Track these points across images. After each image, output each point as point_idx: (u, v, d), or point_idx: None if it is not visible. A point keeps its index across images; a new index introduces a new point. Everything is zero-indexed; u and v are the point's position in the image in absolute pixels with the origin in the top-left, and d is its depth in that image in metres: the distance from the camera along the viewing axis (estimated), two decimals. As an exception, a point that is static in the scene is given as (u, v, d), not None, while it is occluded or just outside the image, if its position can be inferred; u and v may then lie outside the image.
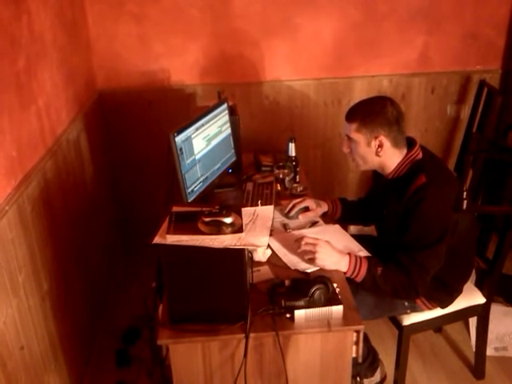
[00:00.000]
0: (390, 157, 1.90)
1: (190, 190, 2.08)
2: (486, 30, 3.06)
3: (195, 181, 2.14)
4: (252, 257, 1.72)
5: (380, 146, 1.86)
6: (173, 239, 1.46)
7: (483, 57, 3.12)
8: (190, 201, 2.07)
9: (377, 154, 1.88)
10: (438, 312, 2.05)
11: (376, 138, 1.85)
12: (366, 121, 1.85)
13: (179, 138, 2.01)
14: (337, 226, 2.10)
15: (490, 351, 2.41)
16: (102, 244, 2.86)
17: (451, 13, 3.00)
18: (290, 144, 2.47)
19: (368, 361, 2.19)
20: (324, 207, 2.22)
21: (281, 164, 2.46)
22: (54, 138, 2.18)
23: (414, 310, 2.03)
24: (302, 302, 1.55)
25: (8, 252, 1.65)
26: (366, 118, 1.86)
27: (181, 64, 2.98)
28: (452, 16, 3.01)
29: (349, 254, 1.82)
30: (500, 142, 2.87)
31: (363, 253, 1.89)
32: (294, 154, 2.47)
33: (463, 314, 2.20)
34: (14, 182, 1.75)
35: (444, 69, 3.13)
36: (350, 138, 1.91)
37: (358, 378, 2.12)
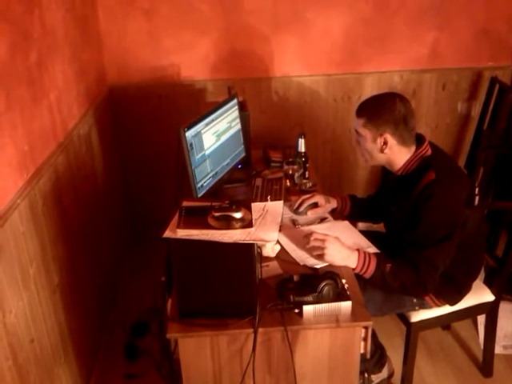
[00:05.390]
0: (396, 154, 1.89)
1: (199, 185, 2.09)
2: (497, 26, 3.04)
3: (205, 176, 2.14)
4: (261, 252, 1.72)
5: (385, 143, 1.86)
6: (183, 233, 1.46)
7: (495, 53, 3.10)
8: (199, 196, 2.07)
9: (382, 150, 1.88)
10: (446, 309, 2.05)
11: (381, 135, 1.85)
12: (372, 117, 1.85)
13: (189, 133, 2.02)
14: (346, 223, 2.10)
15: (498, 349, 2.41)
16: (111, 238, 2.88)
17: (463, 8, 2.98)
18: (300, 140, 2.47)
19: (375, 357, 2.19)
20: (333, 203, 2.22)
21: (290, 160, 2.46)
22: (65, 132, 2.19)
23: (423, 306, 2.02)
24: (310, 298, 1.55)
25: (19, 245, 1.66)
26: (373, 114, 1.86)
27: (191, 59, 2.99)
28: (463, 12, 2.99)
29: (358, 250, 1.81)
30: (511, 139, 2.85)
31: (372, 249, 1.89)
32: (303, 150, 2.47)
33: (472, 312, 2.19)
34: (25, 175, 1.76)
35: (455, 65, 3.11)
36: (358, 133, 1.92)
37: (366, 374, 2.12)
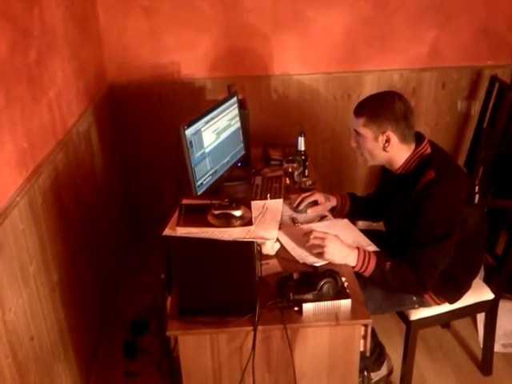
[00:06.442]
0: (397, 152, 1.89)
1: (199, 183, 2.09)
2: (497, 25, 3.04)
3: (204, 174, 2.14)
4: (260, 250, 1.72)
5: (387, 141, 1.86)
6: (182, 231, 1.46)
7: (495, 52, 3.10)
8: (199, 194, 2.07)
9: (384, 149, 1.88)
10: (446, 307, 2.05)
11: (383, 133, 1.85)
12: (373, 116, 1.85)
13: (189, 131, 2.02)
14: (345, 221, 2.10)
15: (497, 347, 2.41)
16: (111, 235, 2.88)
17: (462, 7, 2.98)
18: (300, 138, 2.47)
19: (375, 355, 2.20)
20: (333, 202, 2.22)
21: (290, 158, 2.46)
22: (64, 130, 2.19)
23: (422, 305, 2.02)
24: (310, 296, 1.56)
25: (19, 243, 1.66)
26: (373, 112, 1.86)
27: (191, 57, 2.99)
28: (463, 10, 2.99)
29: (357, 248, 1.82)
30: (511, 137, 2.85)
31: (372, 247, 1.89)
32: (303, 148, 2.47)
33: (471, 310, 2.19)
34: (25, 173, 1.76)
35: (455, 64, 3.11)
36: (357, 133, 1.92)
37: (365, 372, 2.12)
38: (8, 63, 1.69)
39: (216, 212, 1.52)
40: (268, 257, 1.83)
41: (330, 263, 1.77)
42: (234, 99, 2.43)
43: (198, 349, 1.58)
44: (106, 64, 2.97)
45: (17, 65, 1.76)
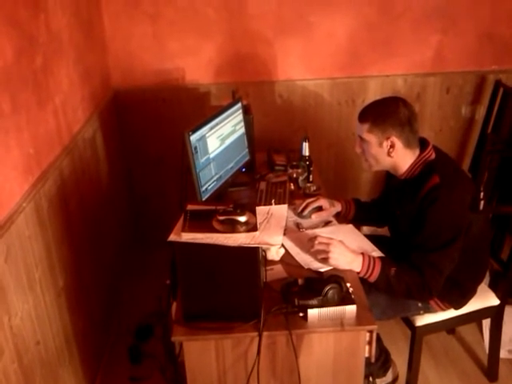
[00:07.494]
0: (402, 157, 1.89)
1: (203, 188, 2.09)
2: (502, 30, 3.04)
3: (209, 179, 2.15)
4: (265, 255, 1.72)
5: (392, 146, 1.86)
6: (188, 237, 1.47)
7: (499, 57, 3.10)
8: (203, 199, 2.08)
9: (389, 154, 1.88)
10: (451, 313, 2.05)
11: (388, 138, 1.85)
12: (377, 121, 1.85)
13: (194, 137, 2.02)
14: (350, 226, 2.10)
15: (503, 353, 2.39)
16: (116, 241, 2.89)
17: (467, 12, 2.98)
18: (304, 143, 2.47)
19: (380, 361, 2.19)
20: (337, 207, 2.21)
21: (294, 163, 2.46)
22: (70, 135, 2.20)
23: (428, 310, 2.02)
24: (315, 301, 1.55)
25: (25, 248, 1.67)
26: (377, 118, 1.86)
27: (195, 63, 3.00)
28: (468, 15, 2.99)
29: (362, 253, 1.81)
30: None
31: (377, 253, 1.89)
32: (307, 154, 2.47)
33: (477, 316, 2.19)
34: (31, 179, 1.77)
35: (459, 68, 3.11)
36: (362, 139, 1.92)
37: (371, 378, 2.12)
38: (14, 69, 1.70)
39: (221, 218, 1.52)
40: (273, 262, 1.83)
41: (334, 269, 1.77)
42: (239, 105, 2.44)
43: (203, 354, 1.58)
44: (111, 70, 2.99)
45: (23, 71, 1.78)
